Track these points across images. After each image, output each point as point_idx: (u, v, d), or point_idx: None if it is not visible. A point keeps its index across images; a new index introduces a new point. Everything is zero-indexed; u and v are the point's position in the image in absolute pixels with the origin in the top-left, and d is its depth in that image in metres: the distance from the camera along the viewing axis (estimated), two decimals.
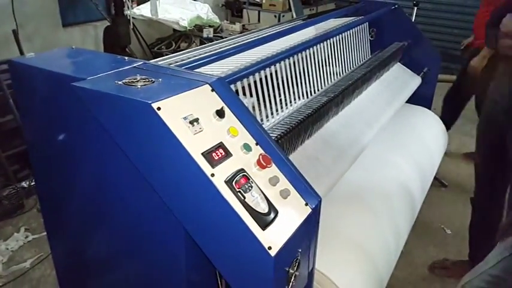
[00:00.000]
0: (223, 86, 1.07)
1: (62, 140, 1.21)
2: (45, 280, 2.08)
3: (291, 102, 1.71)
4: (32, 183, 2.73)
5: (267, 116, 1.58)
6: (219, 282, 1.10)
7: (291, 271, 0.99)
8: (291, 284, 1.00)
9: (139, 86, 1.00)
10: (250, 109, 1.53)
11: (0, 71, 2.81)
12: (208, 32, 4.64)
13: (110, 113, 0.99)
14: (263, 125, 1.53)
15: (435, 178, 3.04)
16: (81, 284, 1.50)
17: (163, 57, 1.61)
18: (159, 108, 0.90)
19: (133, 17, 4.18)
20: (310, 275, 1.17)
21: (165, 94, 0.95)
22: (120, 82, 1.02)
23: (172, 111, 0.92)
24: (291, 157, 1.59)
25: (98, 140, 1.08)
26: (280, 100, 1.66)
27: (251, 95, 1.55)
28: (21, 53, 3.08)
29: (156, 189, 0.99)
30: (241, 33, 3.45)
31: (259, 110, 1.56)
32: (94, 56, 1.33)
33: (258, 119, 1.55)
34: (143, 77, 1.05)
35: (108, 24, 3.74)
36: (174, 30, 4.67)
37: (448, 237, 2.58)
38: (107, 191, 1.17)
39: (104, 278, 1.40)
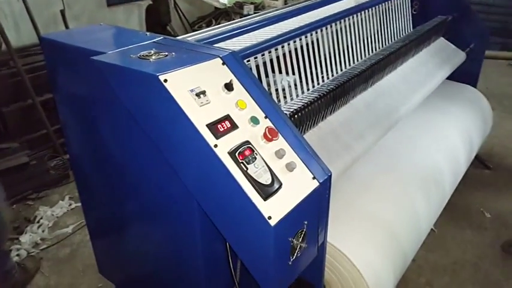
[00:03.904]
0: (235, 60, 1.08)
1: (87, 112, 1.28)
2: (84, 244, 2.25)
3: (322, 77, 1.68)
4: None
5: (298, 93, 1.56)
6: (228, 250, 1.14)
7: (295, 242, 1.01)
8: (295, 254, 1.02)
9: (151, 60, 1.04)
10: (287, 87, 1.52)
11: None
12: (249, 9, 4.60)
13: (123, 85, 1.04)
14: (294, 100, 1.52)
15: (479, 160, 2.90)
16: (110, 248, 1.61)
17: (191, 33, 1.63)
18: (165, 80, 0.93)
19: None
20: (321, 248, 1.18)
21: (173, 67, 0.98)
22: (134, 56, 1.06)
23: (179, 83, 0.95)
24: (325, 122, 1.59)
25: (116, 111, 1.14)
26: (312, 75, 1.63)
27: (280, 71, 1.53)
28: None
29: (167, 159, 1.03)
30: None
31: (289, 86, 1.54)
32: (118, 32, 1.38)
33: (294, 94, 1.54)
34: (157, 51, 1.09)
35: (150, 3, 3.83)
36: (215, 7, 4.69)
37: (486, 221, 2.47)
38: (128, 160, 1.24)
39: (130, 244, 1.49)
